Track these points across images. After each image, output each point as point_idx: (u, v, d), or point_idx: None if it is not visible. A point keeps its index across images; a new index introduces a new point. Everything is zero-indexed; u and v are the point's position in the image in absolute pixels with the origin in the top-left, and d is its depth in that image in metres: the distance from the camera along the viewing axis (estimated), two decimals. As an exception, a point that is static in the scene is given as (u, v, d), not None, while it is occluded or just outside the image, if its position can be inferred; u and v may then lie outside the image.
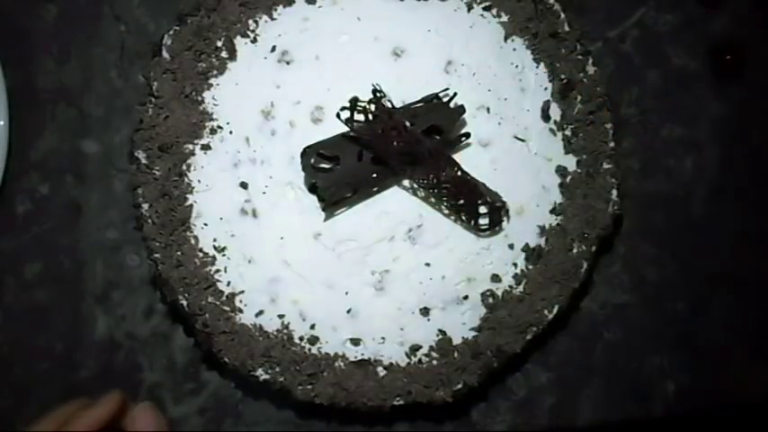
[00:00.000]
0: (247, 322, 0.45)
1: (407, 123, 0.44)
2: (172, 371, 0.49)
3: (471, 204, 0.46)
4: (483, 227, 0.46)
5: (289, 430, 0.49)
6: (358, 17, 0.48)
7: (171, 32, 0.46)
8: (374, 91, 0.43)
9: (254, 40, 0.47)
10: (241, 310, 0.45)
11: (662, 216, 0.53)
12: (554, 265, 0.47)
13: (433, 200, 0.46)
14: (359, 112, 0.43)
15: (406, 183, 0.46)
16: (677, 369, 0.52)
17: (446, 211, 0.46)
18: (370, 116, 0.43)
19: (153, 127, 0.45)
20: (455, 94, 0.45)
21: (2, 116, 0.48)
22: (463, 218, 0.46)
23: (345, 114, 0.43)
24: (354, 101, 0.43)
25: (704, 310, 0.53)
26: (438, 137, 0.45)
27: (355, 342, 0.46)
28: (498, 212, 0.46)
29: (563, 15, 0.48)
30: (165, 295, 0.46)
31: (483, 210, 0.46)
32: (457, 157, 0.46)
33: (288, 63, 0.47)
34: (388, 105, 0.43)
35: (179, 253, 0.45)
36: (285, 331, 0.45)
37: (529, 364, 0.50)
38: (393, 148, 0.44)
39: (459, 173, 0.45)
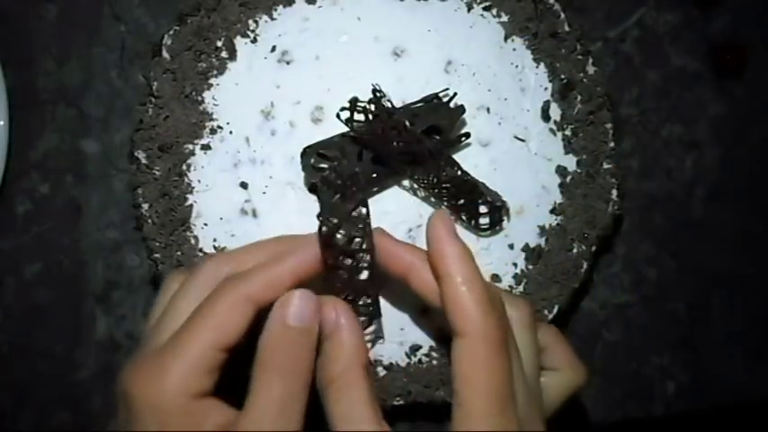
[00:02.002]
0: (247, 322, 0.45)
1: (407, 123, 0.44)
2: (172, 371, 0.49)
3: (471, 204, 0.46)
4: (483, 226, 0.46)
5: (289, 430, 0.49)
6: (358, 17, 0.48)
7: (171, 32, 0.46)
8: (374, 91, 0.43)
9: (254, 40, 0.47)
10: (241, 310, 0.45)
11: (662, 216, 0.53)
12: (554, 265, 0.47)
13: (433, 200, 0.46)
14: (359, 112, 0.43)
15: (406, 183, 0.46)
16: (677, 369, 0.52)
17: (446, 212, 0.46)
18: (370, 116, 0.43)
19: (153, 127, 0.45)
20: (455, 94, 0.45)
21: (2, 116, 0.48)
22: (463, 218, 0.46)
23: (345, 114, 0.43)
24: (354, 101, 0.43)
25: (704, 310, 0.53)
26: (438, 137, 0.45)
27: (355, 342, 0.45)
28: (498, 212, 0.46)
29: (563, 15, 0.48)
30: (165, 295, 0.46)
31: (483, 209, 0.46)
32: (457, 157, 0.46)
33: (288, 63, 0.47)
34: (388, 105, 0.43)
35: (179, 253, 0.45)
36: (285, 331, 0.45)
37: (529, 364, 0.50)
38: (393, 148, 0.44)
39: (459, 173, 0.45)
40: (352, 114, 0.43)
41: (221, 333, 0.34)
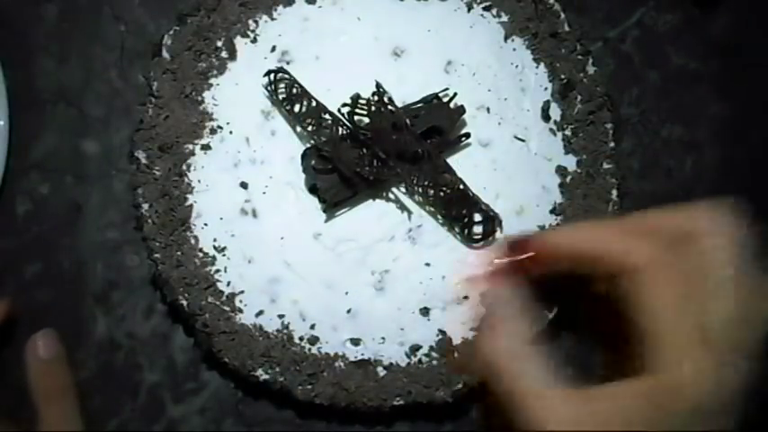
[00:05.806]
0: (247, 322, 0.45)
1: (408, 122, 0.43)
2: (172, 371, 0.49)
3: (465, 212, 0.45)
4: (476, 236, 0.46)
5: (289, 430, 0.49)
6: (358, 17, 0.48)
7: (171, 32, 0.46)
8: (377, 86, 0.43)
9: (254, 40, 0.47)
10: (241, 310, 0.45)
11: (662, 216, 0.53)
12: (554, 265, 0.47)
13: (428, 208, 0.46)
14: (360, 107, 0.43)
15: (404, 185, 0.46)
16: (677, 369, 0.52)
17: (441, 221, 0.46)
18: (373, 107, 0.43)
19: (153, 127, 0.45)
20: (455, 95, 0.45)
21: (2, 116, 0.48)
22: (456, 228, 0.46)
23: (346, 109, 0.43)
24: (356, 97, 0.43)
25: (704, 310, 0.53)
26: (438, 137, 0.45)
27: (355, 342, 0.46)
28: (492, 223, 0.45)
29: (563, 15, 0.48)
30: (165, 295, 0.46)
31: (478, 218, 0.45)
32: (457, 157, 0.46)
33: (288, 63, 0.47)
34: (390, 102, 0.43)
35: (179, 253, 0.45)
36: (285, 331, 0.45)
37: (529, 364, 0.50)
38: (392, 147, 0.44)
39: (454, 179, 0.45)
40: (353, 110, 0.43)
41: None
